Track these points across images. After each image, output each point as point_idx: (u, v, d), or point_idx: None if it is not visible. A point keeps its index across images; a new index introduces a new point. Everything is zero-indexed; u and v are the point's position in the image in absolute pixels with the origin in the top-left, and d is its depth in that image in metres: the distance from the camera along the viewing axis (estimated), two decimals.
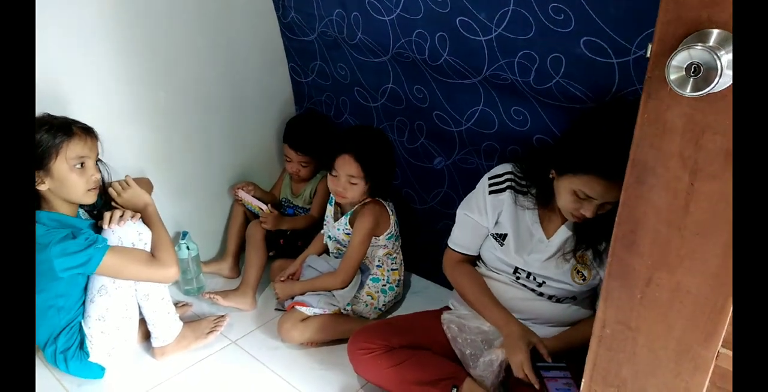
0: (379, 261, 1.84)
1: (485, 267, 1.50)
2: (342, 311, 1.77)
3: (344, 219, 1.80)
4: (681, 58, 0.54)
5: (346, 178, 1.67)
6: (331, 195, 1.82)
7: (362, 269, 1.83)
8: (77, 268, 1.36)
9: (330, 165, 1.70)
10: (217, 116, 2.00)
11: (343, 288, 1.75)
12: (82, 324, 1.50)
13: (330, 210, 1.89)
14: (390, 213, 1.80)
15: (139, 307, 1.58)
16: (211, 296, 1.85)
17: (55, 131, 1.37)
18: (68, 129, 1.40)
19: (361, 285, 1.81)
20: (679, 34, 0.57)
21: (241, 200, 2.09)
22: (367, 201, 1.77)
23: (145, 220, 1.54)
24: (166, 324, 1.64)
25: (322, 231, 1.98)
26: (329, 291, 1.76)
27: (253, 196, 2.06)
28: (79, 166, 1.41)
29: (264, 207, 2.00)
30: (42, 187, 1.38)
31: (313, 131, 2.03)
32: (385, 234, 1.80)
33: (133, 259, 1.44)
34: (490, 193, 1.40)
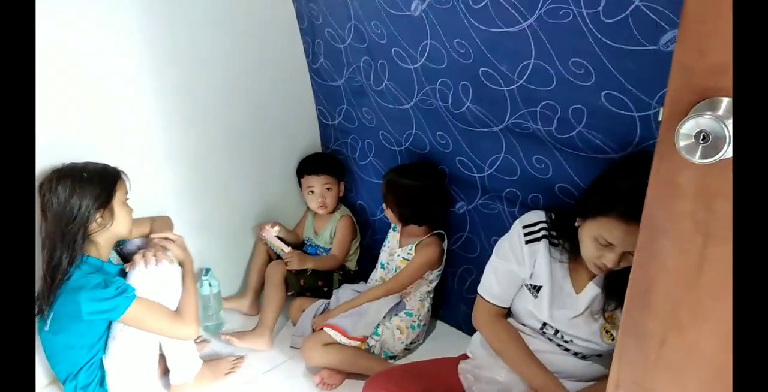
0: (421, 296, 1.89)
1: (513, 320, 1.48)
2: (369, 342, 1.78)
3: (411, 246, 1.88)
4: (689, 127, 0.54)
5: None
6: (393, 224, 1.97)
7: (397, 302, 1.87)
8: (102, 314, 1.41)
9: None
10: (244, 156, 2.05)
11: (385, 296, 1.83)
12: (103, 360, 1.52)
13: (395, 236, 1.97)
14: (445, 252, 1.89)
15: (160, 345, 1.59)
16: (227, 337, 1.87)
17: (110, 172, 1.50)
18: (115, 170, 1.51)
19: (396, 314, 1.84)
20: (690, 100, 0.57)
21: (264, 239, 2.12)
22: (434, 232, 1.87)
23: (183, 275, 1.62)
24: (186, 363, 1.65)
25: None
26: (361, 305, 1.82)
27: (278, 236, 2.09)
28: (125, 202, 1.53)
29: (286, 248, 2.03)
30: (107, 226, 1.48)
31: (322, 155, 2.23)
32: (437, 269, 1.88)
33: (156, 312, 1.48)
34: (527, 242, 1.38)
